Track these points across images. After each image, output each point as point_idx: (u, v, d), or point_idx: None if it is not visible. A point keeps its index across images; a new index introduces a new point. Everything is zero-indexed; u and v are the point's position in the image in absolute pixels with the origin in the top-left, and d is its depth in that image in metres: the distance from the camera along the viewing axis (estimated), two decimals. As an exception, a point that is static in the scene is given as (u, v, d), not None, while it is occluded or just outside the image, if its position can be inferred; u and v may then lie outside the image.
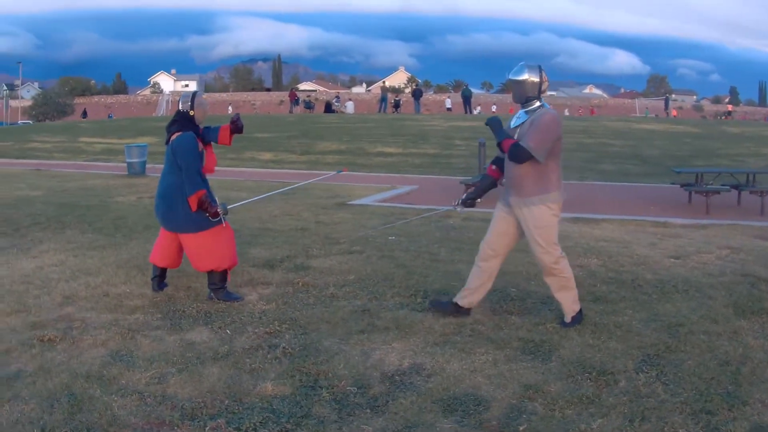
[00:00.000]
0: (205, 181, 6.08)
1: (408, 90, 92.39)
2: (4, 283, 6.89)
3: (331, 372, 4.53)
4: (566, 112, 71.87)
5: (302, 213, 11.59)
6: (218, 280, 6.21)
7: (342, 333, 5.31)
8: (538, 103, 5.26)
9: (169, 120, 6.26)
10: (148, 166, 19.08)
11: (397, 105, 54.78)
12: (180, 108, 6.15)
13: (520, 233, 5.42)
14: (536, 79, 5.19)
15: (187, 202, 5.95)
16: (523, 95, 5.26)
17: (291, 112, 55.27)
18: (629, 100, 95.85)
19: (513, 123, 5.40)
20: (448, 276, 6.91)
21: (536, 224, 5.21)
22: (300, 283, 6.77)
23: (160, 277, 6.58)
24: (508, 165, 5.30)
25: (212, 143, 6.36)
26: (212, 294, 6.25)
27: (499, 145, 5.29)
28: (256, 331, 5.37)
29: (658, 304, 6.18)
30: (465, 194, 5.69)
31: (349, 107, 53.80)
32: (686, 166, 19.46)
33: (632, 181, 18.21)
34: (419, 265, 7.49)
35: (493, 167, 5.59)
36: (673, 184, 15.17)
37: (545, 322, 5.55)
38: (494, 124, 5.37)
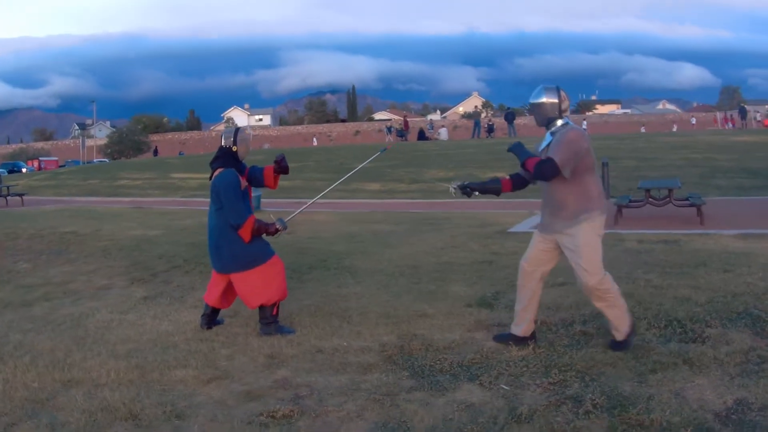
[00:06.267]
0: (250, 212, 6.08)
1: (483, 115, 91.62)
2: (176, 341, 5.93)
3: (664, 420, 3.99)
4: (643, 129, 69.40)
5: (468, 244, 10.69)
6: (269, 314, 6.10)
7: (632, 375, 4.76)
8: (560, 122, 5.34)
9: (212, 156, 6.28)
10: (263, 200, 18.10)
11: (490, 129, 53.59)
12: (222, 144, 6.18)
13: (559, 254, 5.45)
14: (555, 100, 5.32)
15: (233, 243, 5.98)
16: (545, 117, 5.39)
17: (405, 139, 53.57)
18: (704, 114, 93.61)
19: (540, 147, 5.46)
20: (680, 302, 6.51)
21: (580, 245, 5.21)
22: (537, 322, 6.02)
23: (209, 316, 6.40)
24: (547, 190, 5.40)
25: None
26: (263, 329, 6.07)
27: (523, 165, 5.34)
28: (537, 382, 4.68)
29: None
30: (468, 182, 5.67)
31: (443, 134, 53.01)
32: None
33: (750, 195, 17.87)
34: (642, 293, 6.97)
35: (507, 178, 5.63)
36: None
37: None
38: (516, 147, 5.47)
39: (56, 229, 14.16)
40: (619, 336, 5.28)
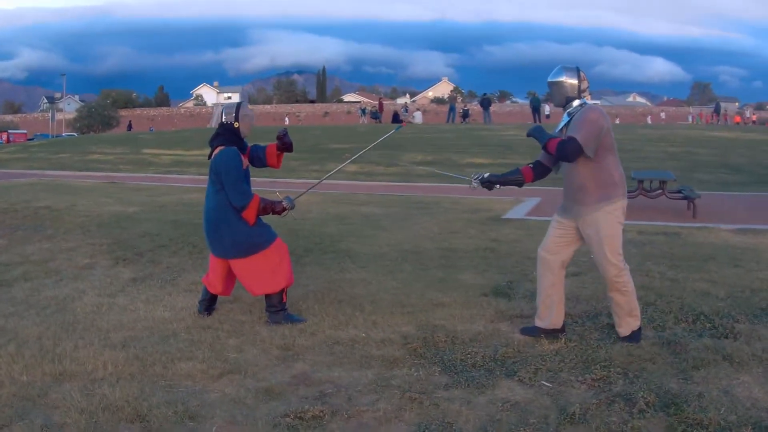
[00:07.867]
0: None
1: (459, 100, 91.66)
2: (176, 329, 5.43)
3: (721, 419, 3.80)
4: (617, 121, 69.80)
5: (467, 230, 10.29)
6: (277, 302, 5.66)
7: (675, 371, 4.54)
8: (578, 102, 5.19)
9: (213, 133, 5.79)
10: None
11: (465, 115, 53.34)
12: (223, 120, 5.74)
13: (579, 238, 5.24)
14: (574, 80, 5.18)
15: (234, 226, 5.54)
16: (563, 97, 5.23)
17: (380, 122, 52.90)
18: (673, 108, 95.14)
19: (557, 128, 5.33)
20: (701, 296, 6.31)
21: (601, 233, 5.03)
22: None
23: (209, 302, 5.95)
24: (568, 174, 5.20)
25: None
26: (271, 318, 5.63)
27: (544, 147, 5.18)
28: (579, 379, 4.41)
29: None
30: (488, 174, 5.50)
31: (417, 117, 52.47)
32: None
33: (733, 191, 17.63)
34: (659, 286, 6.78)
35: (530, 167, 5.45)
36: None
37: None
38: (536, 130, 5.32)
39: (30, 204, 13.49)
40: (624, 332, 5.16)
